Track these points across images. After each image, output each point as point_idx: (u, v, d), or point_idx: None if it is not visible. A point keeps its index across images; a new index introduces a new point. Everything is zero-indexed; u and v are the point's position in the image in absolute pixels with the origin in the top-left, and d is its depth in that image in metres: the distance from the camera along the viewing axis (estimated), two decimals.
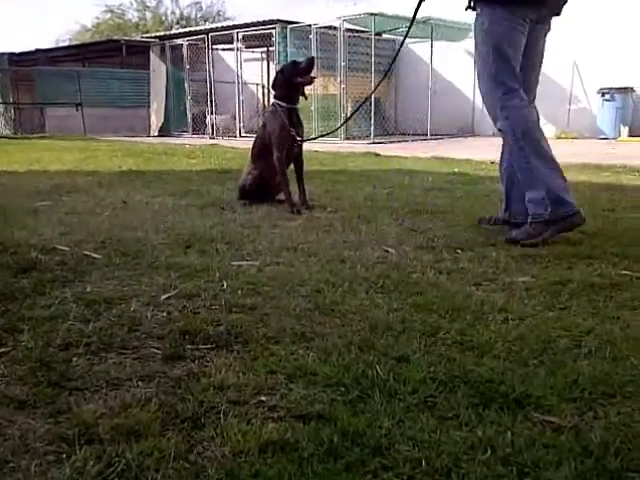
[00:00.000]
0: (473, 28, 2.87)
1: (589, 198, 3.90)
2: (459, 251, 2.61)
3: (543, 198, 2.70)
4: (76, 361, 1.48)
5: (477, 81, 2.95)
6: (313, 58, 3.87)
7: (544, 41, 2.93)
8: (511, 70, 2.77)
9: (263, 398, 1.28)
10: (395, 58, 3.79)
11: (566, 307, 1.84)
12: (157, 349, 1.56)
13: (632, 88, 10.53)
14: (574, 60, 11.29)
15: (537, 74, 3.00)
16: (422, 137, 12.20)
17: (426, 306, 1.83)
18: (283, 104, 3.80)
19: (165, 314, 1.82)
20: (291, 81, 3.81)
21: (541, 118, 2.89)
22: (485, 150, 8.78)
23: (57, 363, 1.45)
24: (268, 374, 1.39)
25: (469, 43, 13.16)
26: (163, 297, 1.97)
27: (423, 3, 3.00)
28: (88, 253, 2.54)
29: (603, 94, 10.46)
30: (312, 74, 3.81)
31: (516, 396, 1.25)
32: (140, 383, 1.36)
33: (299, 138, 3.80)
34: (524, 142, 2.74)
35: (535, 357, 1.46)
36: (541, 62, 2.98)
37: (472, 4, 2.85)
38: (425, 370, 1.38)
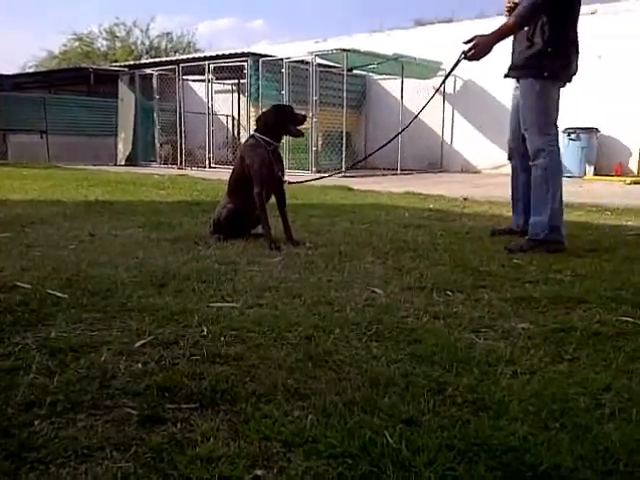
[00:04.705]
0: (520, 89, 3.60)
1: (569, 237, 3.86)
2: (449, 293, 2.50)
3: (543, 223, 3.45)
4: (39, 425, 1.28)
5: (522, 127, 3.60)
6: (305, 116, 3.83)
7: None
8: (554, 121, 3.54)
9: (259, 473, 1.11)
10: (435, 93, 4.25)
11: (574, 359, 1.72)
12: (133, 409, 1.37)
13: (596, 129, 10.77)
14: None
15: None
16: (392, 171, 12.23)
17: (427, 357, 1.70)
18: (268, 140, 3.70)
19: (140, 365, 1.64)
20: (284, 123, 3.73)
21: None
22: (456, 186, 8.83)
23: (17, 428, 1.26)
24: (262, 441, 1.23)
25: (438, 81, 13.41)
26: (137, 344, 1.79)
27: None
28: (52, 292, 2.34)
29: (569, 134, 10.64)
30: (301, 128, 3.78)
31: (545, 468, 1.12)
32: (114, 453, 1.18)
33: (285, 179, 3.73)
34: (552, 182, 3.48)
35: (556, 419, 1.33)
36: None
37: (514, 74, 3.63)
38: (439, 436, 1.23)
